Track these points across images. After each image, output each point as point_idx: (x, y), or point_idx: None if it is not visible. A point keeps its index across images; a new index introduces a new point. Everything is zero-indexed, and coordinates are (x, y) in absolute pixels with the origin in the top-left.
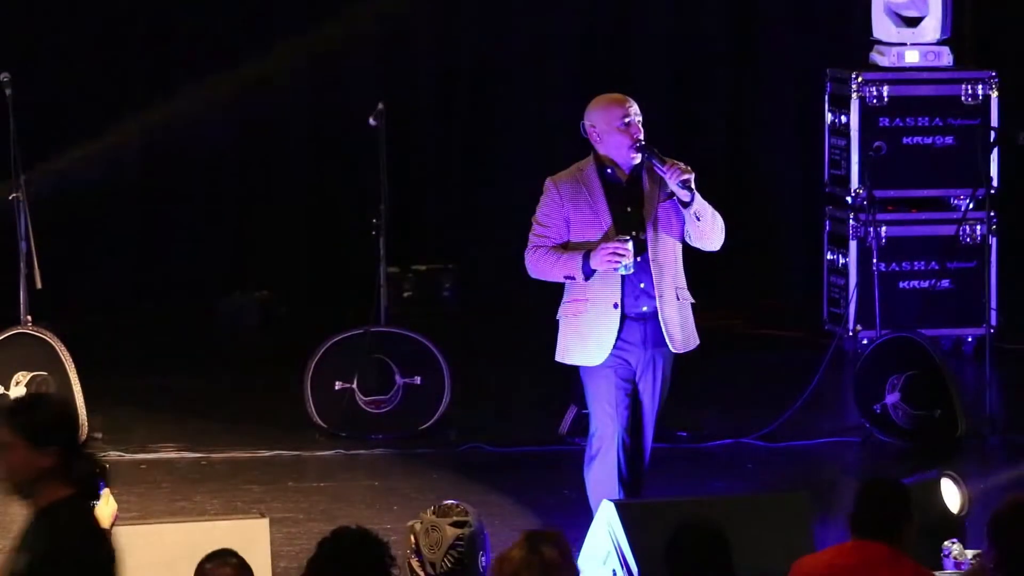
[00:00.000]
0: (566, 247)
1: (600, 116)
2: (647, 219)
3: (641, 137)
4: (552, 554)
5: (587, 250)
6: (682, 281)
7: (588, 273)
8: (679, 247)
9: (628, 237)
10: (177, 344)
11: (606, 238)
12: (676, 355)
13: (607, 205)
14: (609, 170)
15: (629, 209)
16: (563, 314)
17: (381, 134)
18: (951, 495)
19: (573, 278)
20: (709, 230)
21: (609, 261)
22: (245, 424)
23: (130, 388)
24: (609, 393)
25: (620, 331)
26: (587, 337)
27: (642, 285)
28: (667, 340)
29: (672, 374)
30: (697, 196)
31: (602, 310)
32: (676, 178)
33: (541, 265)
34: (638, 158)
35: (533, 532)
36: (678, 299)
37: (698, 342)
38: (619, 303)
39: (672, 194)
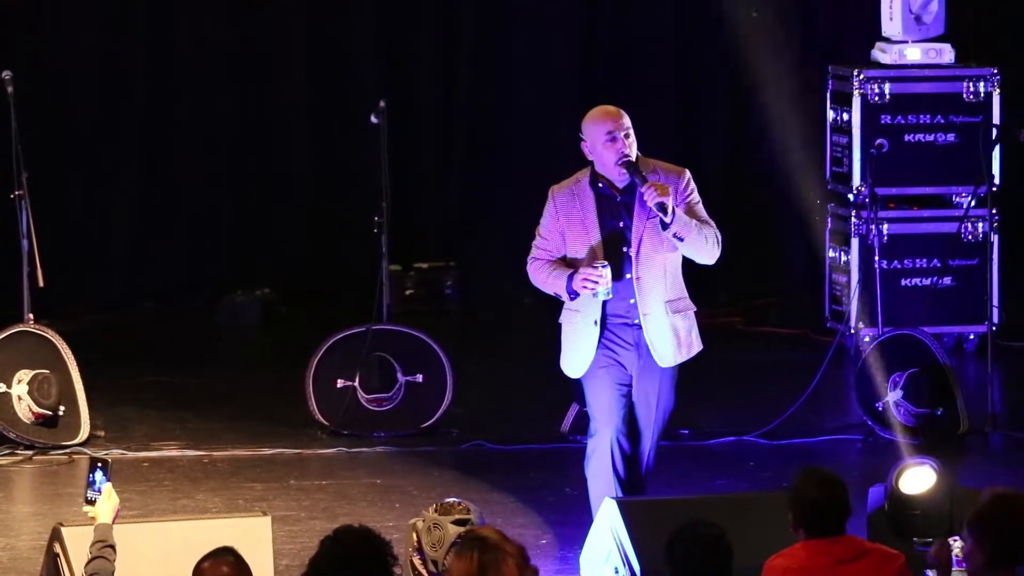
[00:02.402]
0: (563, 260)
1: (590, 130)
2: (636, 235)
3: (627, 152)
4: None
5: (573, 271)
6: (676, 293)
7: (572, 294)
8: (672, 259)
9: (605, 263)
10: (178, 342)
11: (593, 254)
12: (678, 368)
13: (597, 220)
14: (601, 184)
15: (621, 224)
16: (561, 321)
17: (383, 131)
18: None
19: (560, 296)
20: (696, 249)
21: (584, 288)
22: (247, 422)
23: (132, 386)
24: (603, 394)
25: (609, 341)
26: (572, 348)
27: (632, 300)
28: (654, 356)
29: (675, 389)
30: (678, 218)
31: (585, 324)
32: (652, 200)
33: (537, 278)
34: (626, 174)
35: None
36: (668, 313)
37: (700, 348)
38: (599, 320)
39: None
